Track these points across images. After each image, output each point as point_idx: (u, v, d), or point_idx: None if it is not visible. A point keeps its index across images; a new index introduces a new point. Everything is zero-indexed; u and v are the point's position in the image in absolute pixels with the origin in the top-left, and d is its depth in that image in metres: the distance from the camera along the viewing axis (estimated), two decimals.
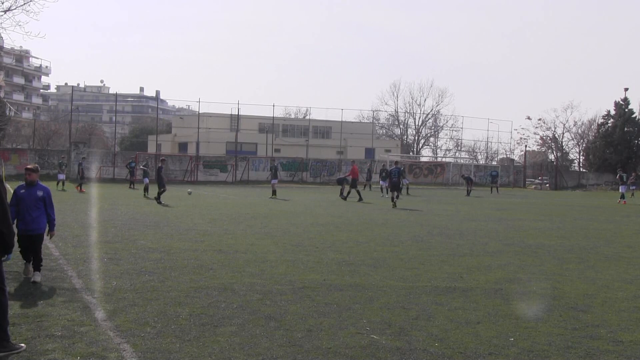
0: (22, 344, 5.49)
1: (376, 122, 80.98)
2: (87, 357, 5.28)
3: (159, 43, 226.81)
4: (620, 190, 34.78)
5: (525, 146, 69.76)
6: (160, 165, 25.64)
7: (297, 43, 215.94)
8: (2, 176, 5.84)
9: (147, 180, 29.48)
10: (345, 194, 29.17)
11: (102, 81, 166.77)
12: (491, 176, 44.98)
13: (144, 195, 27.98)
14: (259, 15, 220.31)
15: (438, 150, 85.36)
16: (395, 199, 24.92)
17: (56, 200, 9.55)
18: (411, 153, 79.15)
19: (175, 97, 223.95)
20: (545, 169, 63.97)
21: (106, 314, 6.68)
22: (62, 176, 33.09)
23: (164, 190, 24.30)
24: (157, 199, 24.00)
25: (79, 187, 31.59)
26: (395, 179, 25.78)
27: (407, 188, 36.72)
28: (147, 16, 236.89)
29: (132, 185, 36.07)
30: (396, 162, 30.72)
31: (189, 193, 29.56)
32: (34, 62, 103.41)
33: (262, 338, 5.96)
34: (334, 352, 5.62)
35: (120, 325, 6.22)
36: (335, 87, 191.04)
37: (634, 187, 37.00)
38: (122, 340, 5.74)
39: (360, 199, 27.93)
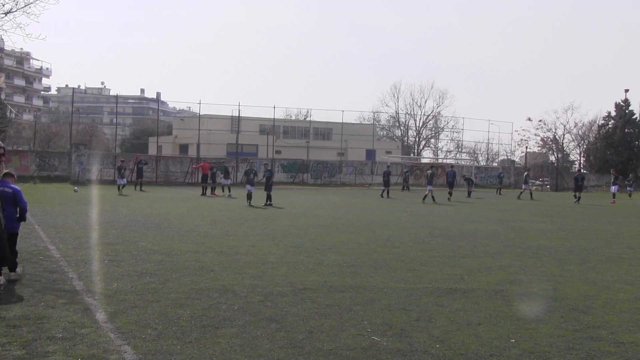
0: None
1: (377, 123, 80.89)
2: (87, 359, 5.29)
3: (159, 45, 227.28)
4: (612, 190, 37.76)
5: (526, 147, 69.82)
6: (269, 169, 26.58)
7: (298, 44, 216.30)
8: None
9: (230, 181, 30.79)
10: (385, 195, 33.79)
11: (102, 83, 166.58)
12: (499, 177, 46.60)
13: (249, 203, 24.52)
14: (260, 16, 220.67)
15: (439, 151, 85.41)
16: (450, 195, 33.20)
17: (57, 202, 9.53)
18: (412, 154, 79.16)
19: (176, 98, 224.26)
20: (546, 170, 63.95)
21: (107, 315, 6.68)
22: (122, 180, 32.79)
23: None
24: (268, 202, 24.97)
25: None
26: (450, 179, 33.99)
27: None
28: (148, 18, 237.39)
29: (136, 187, 35.92)
30: (452, 166, 38.91)
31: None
32: (35, 64, 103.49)
33: (263, 340, 5.96)
34: (335, 353, 5.62)
35: (121, 327, 6.22)
36: (336, 89, 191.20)
37: (616, 188, 37.52)
38: (122, 342, 5.74)
39: (203, 194, 32.08)
